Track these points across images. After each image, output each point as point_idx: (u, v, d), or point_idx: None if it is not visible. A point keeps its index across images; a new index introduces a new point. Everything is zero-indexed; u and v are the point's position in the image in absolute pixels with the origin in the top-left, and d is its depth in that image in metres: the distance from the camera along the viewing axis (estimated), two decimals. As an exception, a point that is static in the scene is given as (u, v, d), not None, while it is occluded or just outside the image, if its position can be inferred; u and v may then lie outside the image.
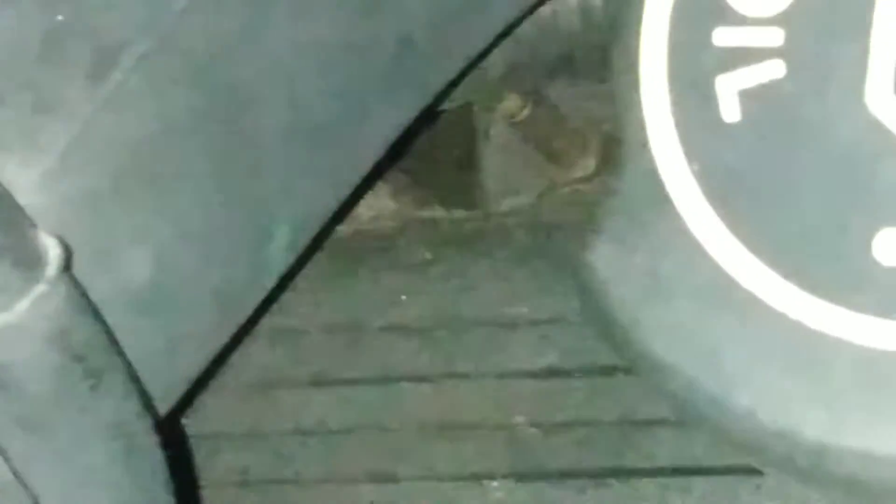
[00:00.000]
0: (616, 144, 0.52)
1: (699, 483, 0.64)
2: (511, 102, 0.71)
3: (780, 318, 0.49)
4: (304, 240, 0.59)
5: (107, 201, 0.50)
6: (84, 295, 0.48)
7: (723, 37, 0.51)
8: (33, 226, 0.46)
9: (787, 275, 0.49)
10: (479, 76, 0.64)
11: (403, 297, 0.72)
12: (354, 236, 0.72)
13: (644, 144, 0.51)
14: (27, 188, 0.47)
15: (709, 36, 0.51)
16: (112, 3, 0.50)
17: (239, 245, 0.56)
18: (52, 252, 0.46)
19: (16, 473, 0.48)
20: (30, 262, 0.46)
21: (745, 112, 0.51)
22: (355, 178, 0.60)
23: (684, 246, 0.51)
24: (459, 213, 0.74)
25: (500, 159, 0.73)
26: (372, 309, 0.73)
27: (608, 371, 0.57)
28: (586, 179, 0.64)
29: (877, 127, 0.49)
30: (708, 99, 0.51)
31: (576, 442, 0.67)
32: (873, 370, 0.49)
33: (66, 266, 0.46)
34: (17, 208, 0.46)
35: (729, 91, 0.51)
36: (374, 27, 0.58)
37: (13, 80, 0.49)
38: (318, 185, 0.59)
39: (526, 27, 0.63)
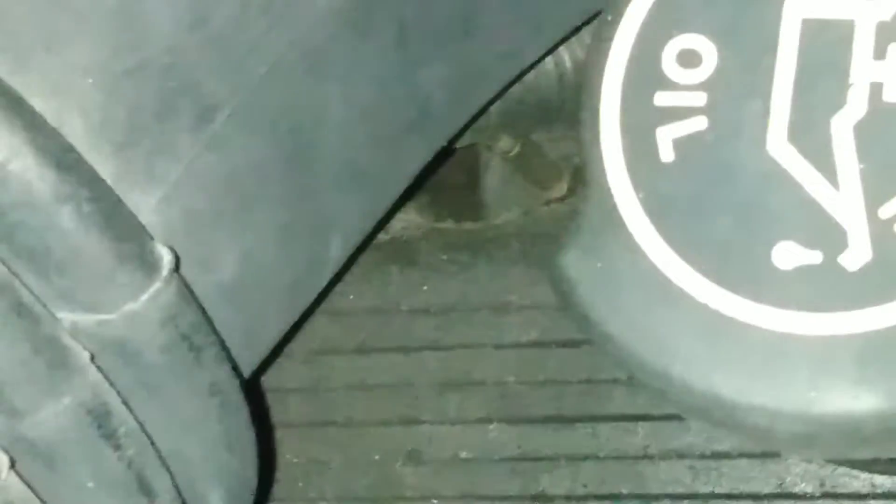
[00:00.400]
0: (582, 176, 0.52)
1: (643, 426, 0.65)
2: (505, 143, 0.71)
3: (703, 307, 0.49)
4: (352, 245, 0.60)
5: (205, 219, 0.51)
6: (188, 289, 0.48)
7: (661, 99, 0.51)
8: (151, 238, 0.47)
9: (709, 275, 0.50)
10: (481, 123, 0.65)
11: (425, 288, 0.72)
12: (390, 242, 0.72)
13: (603, 177, 0.51)
14: (147, 211, 0.48)
15: (651, 98, 0.51)
16: (210, 73, 0.50)
17: (303, 249, 0.57)
18: (165, 258, 0.47)
19: (139, 423, 0.48)
20: (149, 265, 0.47)
21: (677, 154, 0.51)
22: (390, 200, 0.60)
23: (632, 253, 0.51)
24: (468, 225, 0.74)
25: (498, 185, 0.73)
26: (402, 296, 0.73)
27: (576, 344, 0.56)
28: (560, 200, 0.64)
29: (775, 166, 0.50)
30: (650, 144, 0.51)
31: (552, 395, 0.68)
32: (773, 347, 0.49)
33: (175, 268, 0.47)
34: (140, 226, 0.47)
35: (665, 139, 0.51)
36: (406, 89, 0.58)
37: (138, 130, 0.48)
38: (362, 205, 0.59)
39: (516, 88, 0.63)
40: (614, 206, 0.51)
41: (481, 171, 0.74)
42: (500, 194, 0.74)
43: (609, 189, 0.51)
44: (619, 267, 0.51)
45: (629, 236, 0.51)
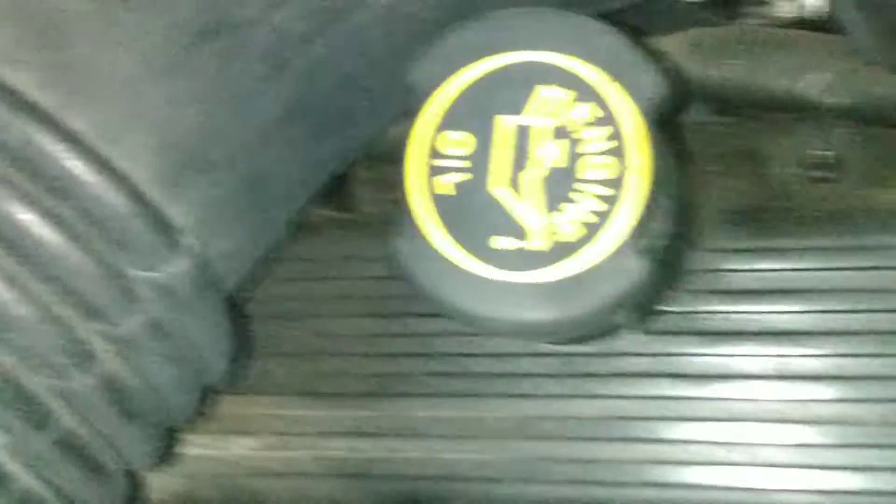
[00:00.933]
0: (404, 196, 0.54)
1: (443, 322, 0.65)
2: (366, 173, 0.73)
3: (466, 272, 0.53)
4: (287, 230, 0.61)
5: (211, 226, 0.53)
6: (203, 259, 0.52)
7: (439, 162, 0.55)
8: (183, 233, 0.50)
9: (471, 253, 0.53)
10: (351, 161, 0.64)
11: (321, 244, 0.71)
12: (307, 227, 0.70)
13: (411, 202, 0.54)
14: (182, 218, 0.50)
15: (432, 162, 0.55)
16: (212, 148, 0.52)
17: (265, 238, 0.59)
18: (193, 245, 0.50)
19: (180, 326, 0.51)
20: (181, 249, 0.50)
21: (456, 190, 0.54)
22: (302, 207, 0.61)
23: (429, 241, 0.53)
24: (351, 215, 0.74)
25: (367, 197, 0.73)
26: (314, 257, 0.71)
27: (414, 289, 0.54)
28: (397, 204, 0.56)
29: (494, 199, 0.54)
30: (434, 186, 0.55)
31: (399, 306, 0.69)
32: (504, 290, 0.52)
33: (197, 250, 0.51)
34: (179, 228, 0.50)
35: (442, 184, 0.55)
36: (316, 156, 0.59)
37: (180, 179, 0.50)
38: (290, 212, 0.61)
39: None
40: (417, 217, 0.54)
41: (354, 188, 0.74)
42: (365, 199, 0.74)
43: (415, 208, 0.55)
44: (422, 249, 0.54)
45: (427, 232, 0.54)
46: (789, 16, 0.75)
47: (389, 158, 0.59)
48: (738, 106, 0.68)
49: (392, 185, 0.59)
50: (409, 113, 0.56)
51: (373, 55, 0.58)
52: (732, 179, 0.64)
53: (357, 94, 0.57)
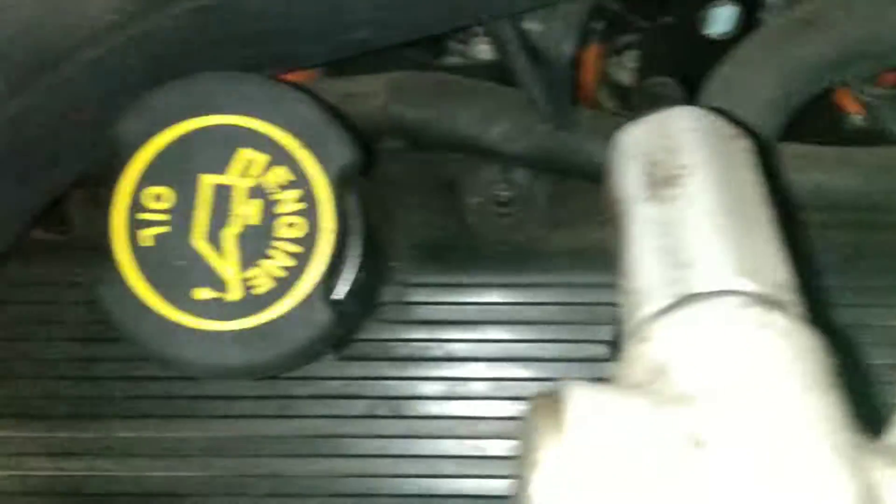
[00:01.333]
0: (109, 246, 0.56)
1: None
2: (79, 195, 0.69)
3: (166, 319, 0.55)
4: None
5: None
6: None
7: (144, 216, 0.57)
8: None
9: (173, 301, 0.56)
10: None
11: (36, 273, 0.69)
12: (17, 251, 0.68)
13: (114, 249, 0.56)
14: None
15: (136, 215, 0.57)
16: None
17: None
18: None
19: None
20: None
21: (153, 243, 0.57)
22: (9, 242, 0.63)
23: (124, 290, 0.56)
24: (63, 238, 0.72)
25: (80, 218, 0.72)
26: (23, 281, 0.70)
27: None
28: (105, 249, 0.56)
29: (197, 252, 0.56)
30: (138, 238, 0.57)
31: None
32: (202, 337, 0.55)
33: None
34: None
35: (149, 235, 0.57)
36: (18, 192, 0.61)
37: None
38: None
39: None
40: (122, 267, 0.57)
41: (67, 208, 0.72)
42: (78, 220, 0.73)
43: (120, 258, 0.57)
44: (125, 297, 0.56)
45: (130, 281, 0.57)
46: (487, 58, 0.80)
47: (103, 181, 0.60)
48: (432, 145, 0.73)
49: (105, 206, 0.60)
50: (114, 167, 0.58)
51: (80, 105, 0.60)
52: (423, 213, 0.71)
53: (64, 140, 0.60)
